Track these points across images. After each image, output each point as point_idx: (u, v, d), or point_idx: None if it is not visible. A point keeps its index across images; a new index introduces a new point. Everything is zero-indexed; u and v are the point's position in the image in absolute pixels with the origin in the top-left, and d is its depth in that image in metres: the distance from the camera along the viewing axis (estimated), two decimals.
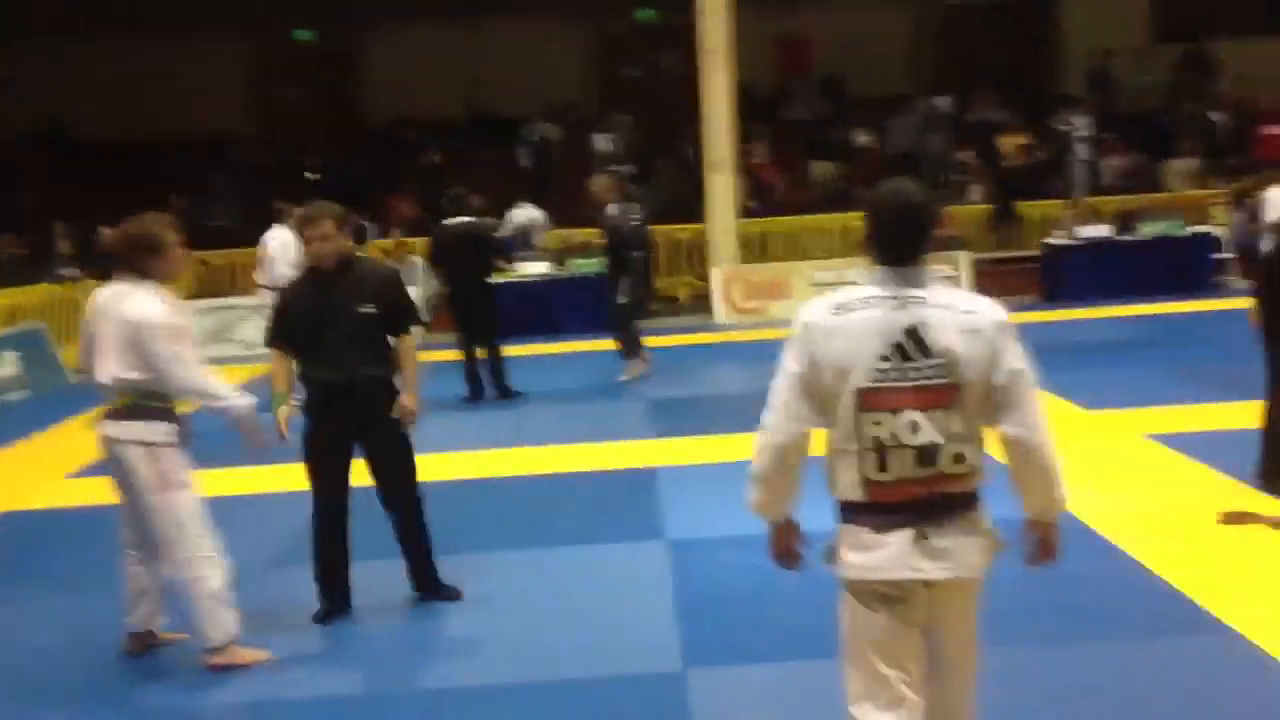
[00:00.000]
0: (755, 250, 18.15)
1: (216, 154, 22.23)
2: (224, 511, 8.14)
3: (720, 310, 16.41)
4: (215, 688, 5.24)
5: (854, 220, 18.52)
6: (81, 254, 16.06)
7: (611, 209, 11.81)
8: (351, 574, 6.02)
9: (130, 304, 5.15)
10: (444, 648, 5.62)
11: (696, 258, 17.97)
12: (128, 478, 5.23)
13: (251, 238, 17.22)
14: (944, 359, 3.15)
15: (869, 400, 3.15)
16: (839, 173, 20.33)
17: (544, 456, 9.07)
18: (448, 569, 6.15)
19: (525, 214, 17.55)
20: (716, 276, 16.59)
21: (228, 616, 5.28)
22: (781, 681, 4.96)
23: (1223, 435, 8.19)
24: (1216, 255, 16.62)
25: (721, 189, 16.74)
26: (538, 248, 17.30)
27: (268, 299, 11.69)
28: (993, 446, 3.30)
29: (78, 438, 8.68)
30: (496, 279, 12.36)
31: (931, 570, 3.20)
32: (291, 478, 8.83)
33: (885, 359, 3.14)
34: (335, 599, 5.94)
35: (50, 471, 9.29)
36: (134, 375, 5.14)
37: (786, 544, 3.47)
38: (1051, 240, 16.96)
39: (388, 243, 18.17)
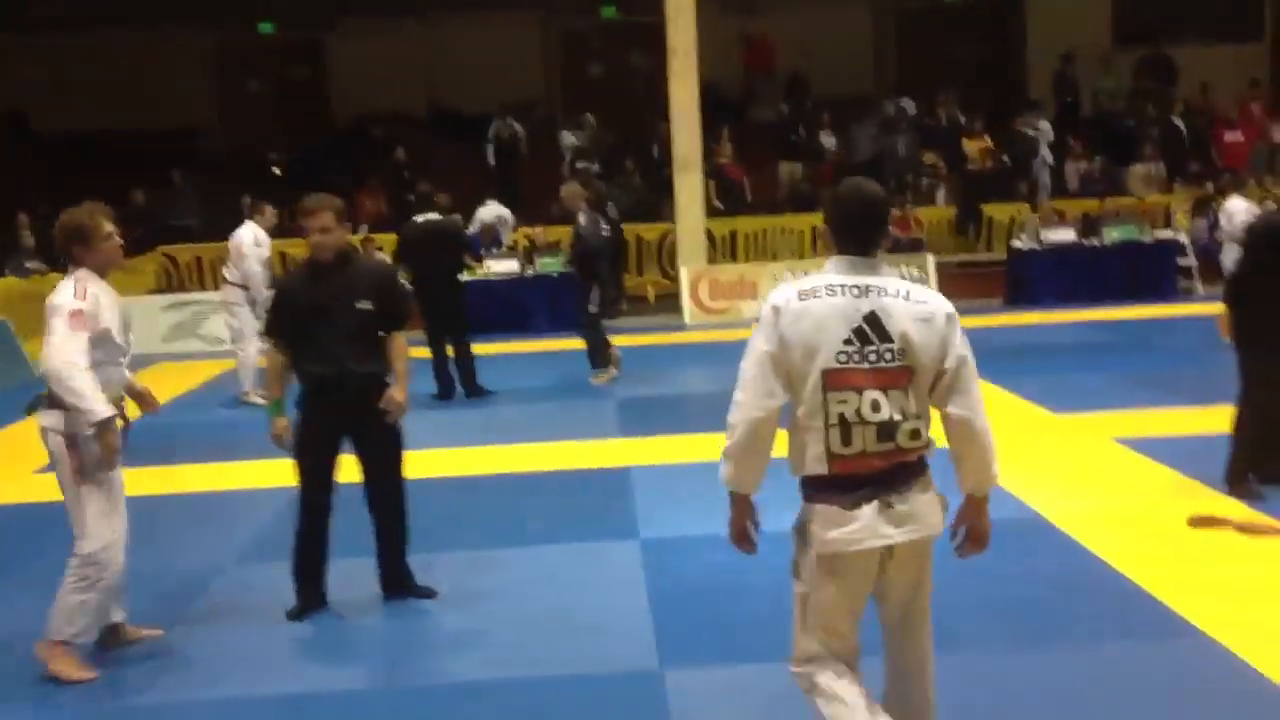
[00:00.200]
0: (723, 250, 18.19)
1: (181, 147, 22.05)
2: (195, 507, 8.18)
3: (688, 310, 16.43)
4: (186, 685, 5.20)
5: (820, 221, 18.58)
6: (46, 247, 15.87)
7: (581, 218, 11.78)
8: (327, 570, 5.99)
9: (52, 293, 5.13)
10: (419, 645, 5.61)
11: (665, 257, 17.98)
12: (54, 466, 5.19)
13: (215, 233, 17.17)
14: (900, 344, 3.45)
15: (833, 380, 3.42)
16: (805, 174, 20.39)
17: (514, 455, 9.05)
18: (420, 567, 6.14)
19: (492, 211, 17.49)
20: (684, 276, 16.61)
21: (82, 623, 5.19)
22: (757, 679, 4.96)
23: (1190, 440, 8.30)
24: (1180, 261, 16.80)
25: (689, 189, 16.76)
26: (505, 245, 17.25)
27: (235, 295, 11.64)
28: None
29: None
30: (465, 277, 12.33)
31: (898, 535, 3.51)
32: (260, 474, 8.84)
33: (848, 342, 3.43)
34: (312, 595, 5.91)
35: (16, 467, 9.18)
36: None
37: (745, 524, 3.67)
38: (1016, 244, 17.08)
39: (355, 238, 18.05)
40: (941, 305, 3.57)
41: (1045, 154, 19.72)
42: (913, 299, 3.52)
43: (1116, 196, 18.58)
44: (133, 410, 5.43)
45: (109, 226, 5.22)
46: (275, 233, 12.12)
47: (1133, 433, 8.69)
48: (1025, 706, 4.68)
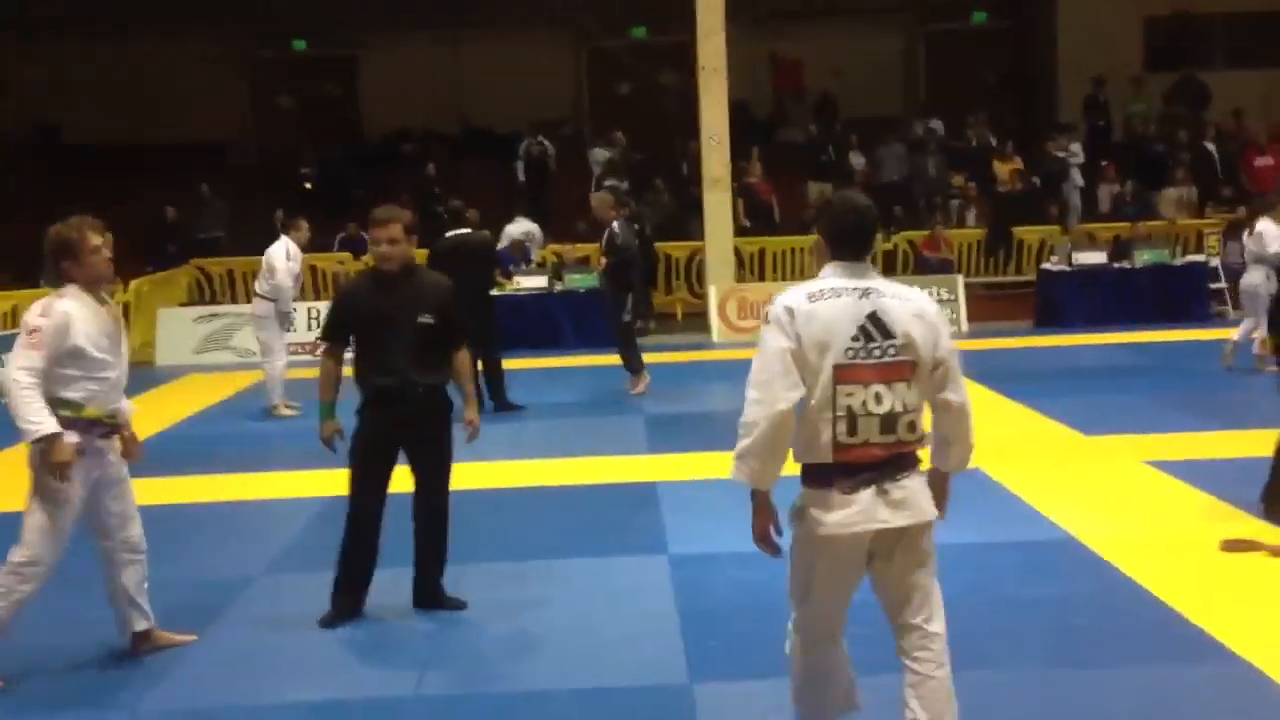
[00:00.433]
0: (751, 269, 18.20)
1: (212, 160, 22.24)
2: (226, 516, 8.23)
3: (716, 328, 16.44)
4: (218, 690, 5.22)
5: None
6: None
7: (615, 225, 11.82)
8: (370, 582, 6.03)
9: None
10: (449, 656, 5.61)
11: (694, 276, 18.00)
12: None
13: (244, 246, 17.31)
14: (903, 340, 3.74)
15: (843, 375, 3.69)
16: (834, 193, 20.37)
17: (543, 470, 9.08)
18: (449, 579, 6.15)
19: (520, 228, 17.56)
20: (713, 294, 16.62)
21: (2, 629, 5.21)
22: (787, 694, 4.95)
23: (1222, 463, 8.26)
24: (1212, 285, 16.71)
25: (718, 207, 16.78)
26: (534, 261, 17.31)
27: (264, 308, 11.71)
28: None
29: None
30: (495, 292, 12.37)
31: (893, 519, 3.76)
32: (291, 485, 8.89)
33: (855, 339, 3.70)
34: (350, 604, 5.92)
35: None
36: None
37: (768, 523, 3.88)
38: (1047, 266, 17.02)
39: None
40: (930, 302, 3.90)
41: (1076, 177, 19.66)
42: (907, 298, 3.82)
43: (1147, 220, 18.49)
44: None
45: (96, 240, 5.20)
46: (305, 248, 12.18)
47: (1164, 455, 8.65)
48: None
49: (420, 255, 15.84)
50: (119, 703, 5.16)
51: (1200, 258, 17.06)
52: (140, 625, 5.52)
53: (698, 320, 17.11)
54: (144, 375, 15.10)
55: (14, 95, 21.98)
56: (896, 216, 19.24)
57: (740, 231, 17.89)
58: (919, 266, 17.82)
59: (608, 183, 18.52)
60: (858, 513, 3.73)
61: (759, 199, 19.40)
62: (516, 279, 16.04)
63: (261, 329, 11.83)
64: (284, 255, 11.63)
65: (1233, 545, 6.56)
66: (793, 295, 3.77)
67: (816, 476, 3.78)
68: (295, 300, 12.08)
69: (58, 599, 5.64)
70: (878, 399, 3.71)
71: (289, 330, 12.05)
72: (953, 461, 3.99)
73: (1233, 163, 20.12)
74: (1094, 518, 7.28)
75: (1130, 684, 4.98)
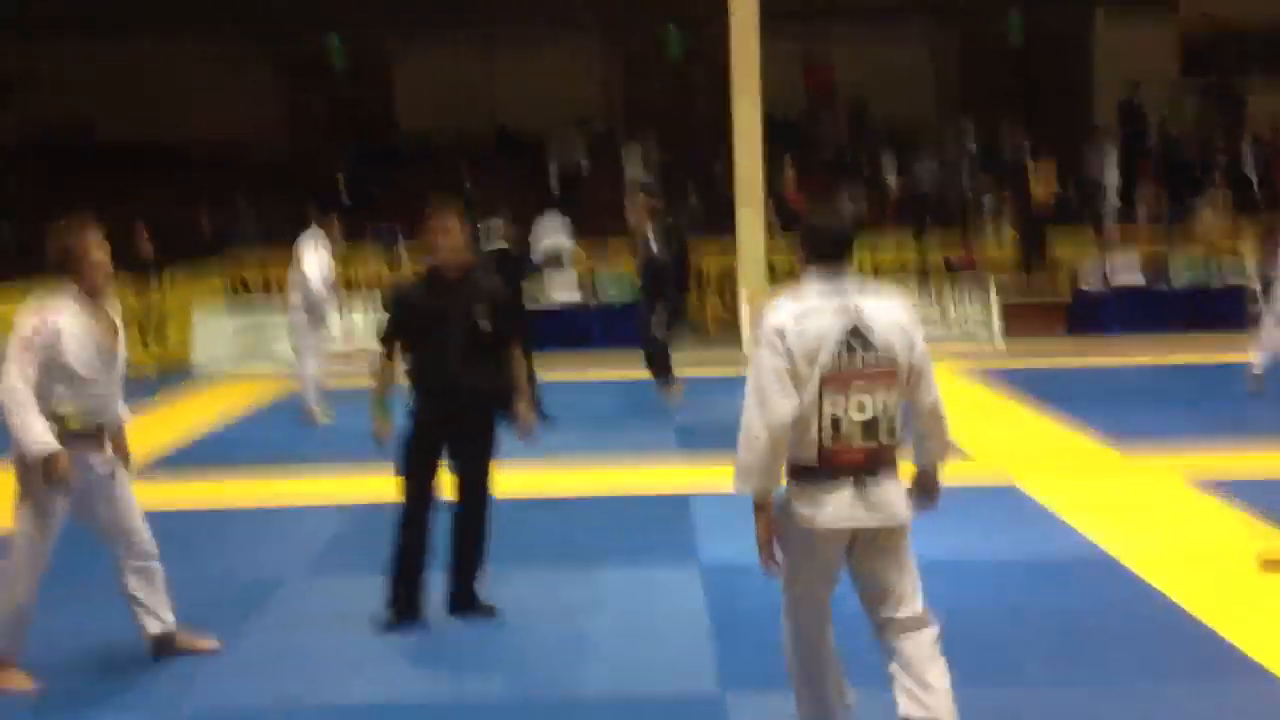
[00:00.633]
0: (784, 277, 18.12)
1: (245, 162, 22.35)
2: (260, 520, 8.27)
3: (748, 338, 16.39)
4: (251, 691, 5.24)
5: (882, 250, 18.54)
6: (115, 257, 16.13)
7: (649, 232, 11.81)
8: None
9: None
10: (479, 662, 5.61)
11: (726, 287, 17.95)
12: None
13: (276, 250, 17.39)
14: (884, 349, 4.00)
15: (829, 384, 3.95)
16: (866, 201, 20.33)
17: (574, 479, 9.09)
18: (481, 585, 6.16)
19: (552, 240, 17.58)
20: (745, 304, 16.57)
21: (10, 635, 5.22)
22: None
23: (1261, 482, 8.19)
24: (1254, 307, 16.50)
25: (750, 215, 16.74)
26: (567, 269, 17.31)
27: (296, 313, 11.73)
28: None
29: None
30: (530, 305, 12.38)
31: (867, 519, 4.01)
32: (325, 489, 8.93)
33: (840, 352, 3.95)
34: (411, 607, 5.93)
35: None
36: None
37: (770, 532, 4.08)
38: (1082, 283, 16.88)
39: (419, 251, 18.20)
40: (905, 309, 4.14)
41: (1111, 185, 19.53)
42: (886, 307, 4.07)
43: (1183, 226, 18.31)
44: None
45: (97, 252, 5.21)
46: (338, 241, 12.20)
47: (1202, 473, 8.57)
48: None
49: None
50: (150, 705, 5.18)
51: (1238, 273, 16.88)
52: (154, 629, 5.52)
53: (729, 330, 17.08)
54: (180, 376, 15.22)
55: (48, 93, 22.13)
56: (929, 226, 19.16)
57: (772, 238, 17.83)
58: (952, 279, 17.72)
59: (641, 179, 18.49)
60: (837, 510, 3.99)
61: (790, 207, 19.34)
62: (550, 290, 15.99)
63: (294, 332, 11.83)
64: (313, 246, 11.66)
65: (1273, 564, 6.50)
66: (782, 312, 4.03)
67: (800, 474, 4.04)
68: (329, 301, 11.98)
69: (87, 603, 5.68)
70: (861, 406, 3.97)
71: (321, 329, 11.98)
72: (931, 457, 4.27)
73: (1270, 171, 19.96)
74: (1131, 534, 7.23)
75: (1165, 701, 4.96)
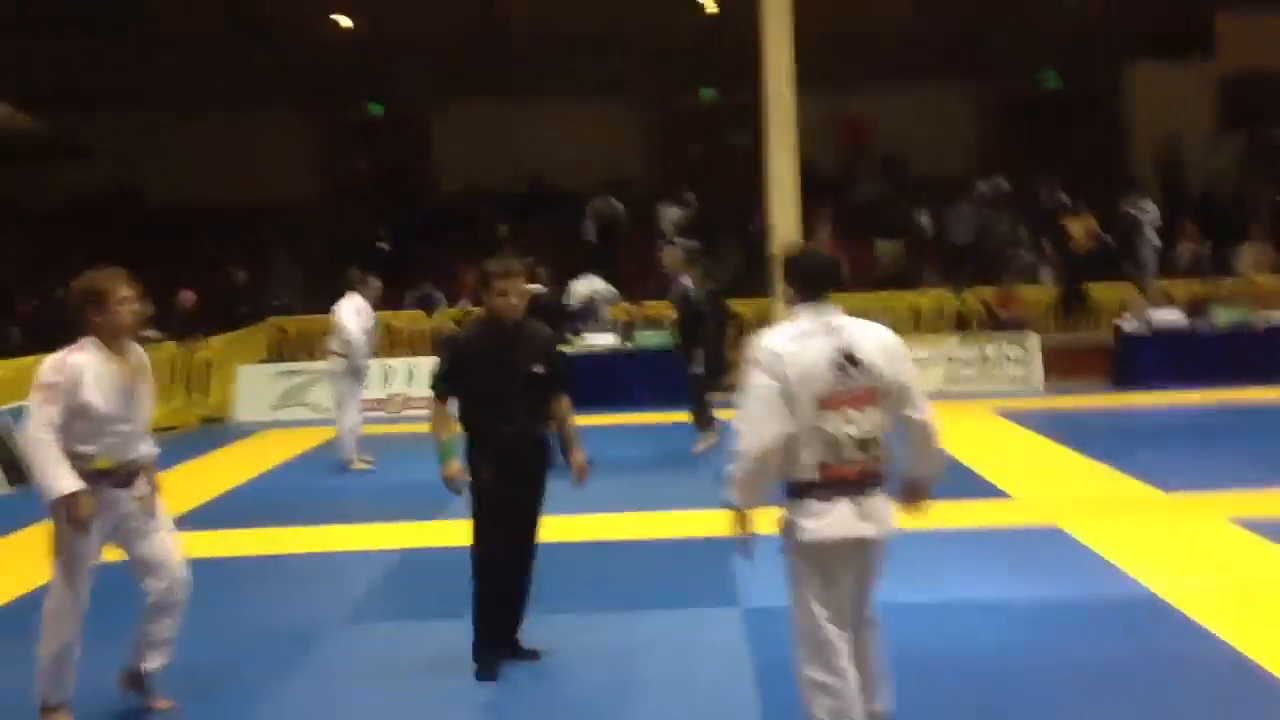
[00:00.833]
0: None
1: (288, 223, 22.64)
2: (301, 568, 8.30)
3: None
4: None
5: (921, 299, 18.52)
6: (160, 316, 16.35)
7: (684, 280, 11.87)
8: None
9: None
10: (522, 708, 5.59)
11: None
12: None
13: (317, 307, 17.56)
14: (870, 369, 4.27)
15: (824, 402, 4.21)
16: (903, 252, 20.34)
17: (614, 523, 9.07)
18: (523, 630, 6.14)
19: (589, 286, 17.68)
20: None
21: (55, 681, 5.22)
22: None
23: None
24: None
25: None
26: (603, 319, 17.39)
27: (337, 364, 11.86)
28: None
29: None
30: (565, 350, 12.42)
31: (866, 529, 4.27)
32: (366, 538, 8.96)
33: (831, 372, 4.22)
34: (501, 651, 5.92)
35: None
36: None
37: (748, 534, 4.34)
38: (1124, 326, 16.80)
39: (456, 312, 18.36)
40: (890, 334, 4.42)
41: (1151, 235, 19.46)
42: (870, 333, 4.36)
43: (1224, 278, 18.24)
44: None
45: (126, 291, 5.27)
46: (376, 305, 12.32)
47: (1248, 513, 8.46)
48: None
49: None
50: None
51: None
52: (151, 664, 5.45)
53: None
54: (223, 431, 15.36)
55: (98, 159, 22.55)
56: (967, 276, 19.14)
57: None
58: (992, 325, 17.67)
59: (679, 241, 18.58)
60: (838, 521, 4.24)
61: None
62: (587, 337, 16.11)
63: (335, 384, 11.98)
64: (352, 312, 11.78)
65: None
66: (775, 339, 4.32)
67: (800, 490, 4.27)
68: (369, 357, 12.18)
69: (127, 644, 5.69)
70: (855, 424, 4.24)
71: (362, 385, 12.14)
72: (924, 469, 4.53)
73: None
74: (1178, 574, 7.14)
75: None
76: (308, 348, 18.33)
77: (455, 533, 8.86)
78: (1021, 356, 16.41)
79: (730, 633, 6.42)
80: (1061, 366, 16.83)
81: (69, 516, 5.08)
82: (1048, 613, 6.58)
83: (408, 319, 18.59)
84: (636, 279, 18.60)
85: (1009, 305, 17.85)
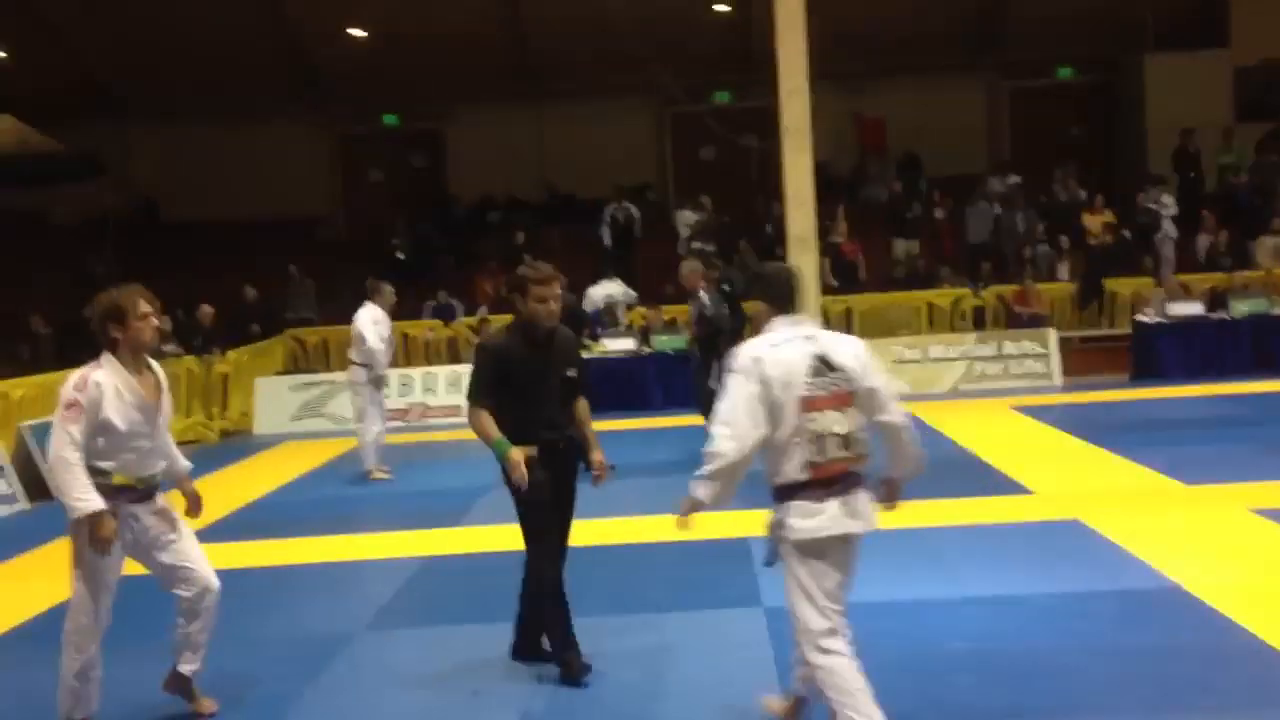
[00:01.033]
0: (837, 328, 18.07)
1: (305, 235, 22.76)
2: (322, 576, 8.33)
3: None
4: None
5: (938, 298, 18.49)
6: (180, 331, 16.45)
7: (704, 296, 11.88)
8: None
9: None
10: (549, 709, 5.61)
11: None
12: None
13: (335, 318, 17.64)
14: (844, 372, 4.51)
15: (807, 405, 4.43)
16: (919, 251, 20.32)
17: (633, 526, 9.07)
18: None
19: (603, 290, 17.69)
20: None
21: (77, 696, 5.27)
22: None
23: None
24: None
25: (805, 267, 16.72)
26: (621, 323, 17.41)
27: (358, 375, 11.90)
28: None
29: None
30: (583, 354, 12.44)
31: (854, 526, 4.52)
32: (385, 546, 8.99)
33: (811, 376, 4.45)
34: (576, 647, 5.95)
35: None
36: None
37: (691, 525, 4.79)
38: (1141, 318, 16.75)
39: (473, 320, 18.41)
40: (858, 343, 4.70)
41: (1169, 228, 19.39)
42: (842, 340, 4.65)
43: (1244, 270, 18.16)
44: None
45: (146, 307, 5.31)
46: (394, 314, 12.35)
47: (1270, 504, 8.43)
48: None
49: (505, 318, 16.08)
50: None
51: None
52: (188, 667, 5.55)
53: None
54: (243, 444, 15.42)
55: (117, 175, 22.70)
56: (984, 273, 19.11)
57: (826, 291, 17.85)
58: (1010, 321, 17.64)
59: (695, 245, 18.61)
60: (829, 518, 4.46)
61: (845, 258, 19.38)
62: (604, 341, 16.14)
63: (357, 394, 12.01)
64: (370, 322, 11.81)
65: None
66: (756, 346, 4.54)
67: (792, 492, 4.49)
68: (388, 366, 12.21)
69: (154, 656, 5.73)
70: (836, 423, 4.45)
71: (383, 394, 12.17)
72: (903, 469, 4.75)
73: None
74: (1201, 567, 7.11)
75: None
76: (325, 359, 18.42)
77: (477, 539, 8.95)
78: (1040, 353, 16.36)
79: (754, 632, 6.42)
80: (1080, 362, 16.79)
81: (92, 536, 5.12)
82: (1072, 605, 6.56)
83: (423, 328, 18.64)
84: (654, 283, 18.64)
85: (1027, 302, 17.81)
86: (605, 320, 17.04)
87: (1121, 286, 18.42)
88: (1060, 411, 13.77)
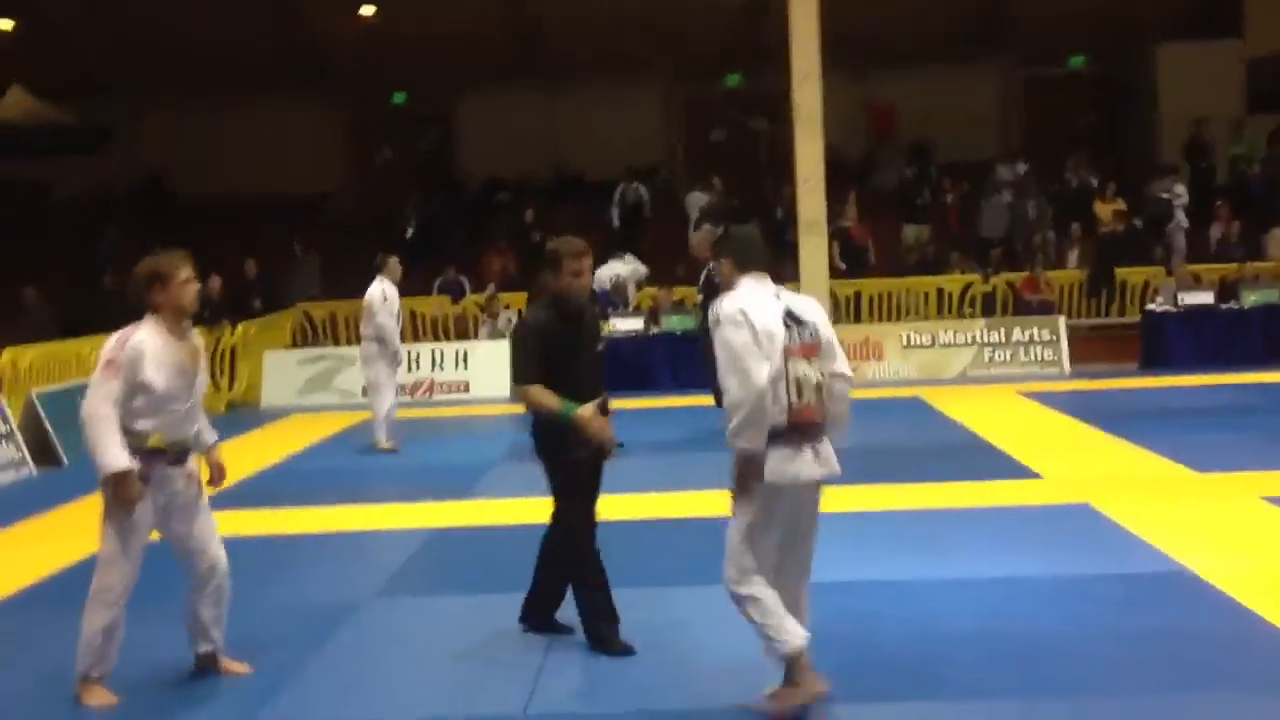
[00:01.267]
0: (847, 311, 18.10)
1: (314, 212, 22.74)
2: (331, 545, 8.35)
3: None
4: (332, 708, 5.27)
5: (947, 283, 18.46)
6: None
7: (712, 266, 11.84)
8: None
9: None
10: (558, 679, 5.58)
11: None
12: None
13: (344, 296, 17.65)
14: (810, 326, 4.87)
15: (788, 352, 4.76)
16: (929, 237, 20.28)
17: (643, 503, 9.07)
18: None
19: (610, 270, 17.68)
20: None
21: (99, 654, 5.30)
22: (892, 718, 4.95)
23: None
24: None
25: (814, 251, 16.70)
26: (631, 304, 17.39)
27: (370, 349, 11.88)
28: None
29: None
30: None
31: (821, 473, 4.86)
32: (392, 517, 9.00)
33: (786, 327, 4.78)
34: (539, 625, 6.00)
35: None
36: None
37: (752, 481, 4.76)
38: (1152, 307, 16.72)
39: (481, 297, 18.41)
40: (814, 300, 5.09)
41: (1180, 218, 19.34)
42: (802, 299, 4.99)
43: (1255, 261, 18.12)
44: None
45: (187, 271, 5.34)
46: (403, 290, 12.32)
47: (1278, 491, 8.41)
48: None
49: (518, 299, 16.08)
50: (240, 716, 5.24)
51: None
52: (203, 648, 5.63)
53: None
54: (250, 416, 15.43)
55: (125, 149, 22.69)
56: (994, 259, 19.08)
57: (836, 275, 17.83)
58: (1019, 308, 17.61)
59: (705, 227, 18.56)
60: (802, 464, 4.78)
61: (854, 242, 19.34)
62: (613, 321, 16.13)
63: (369, 367, 11.99)
64: (380, 296, 11.80)
65: None
66: (736, 301, 4.80)
67: (771, 437, 4.71)
68: (396, 335, 12.14)
69: (170, 618, 5.75)
70: (810, 369, 4.81)
71: (394, 364, 12.10)
72: (839, 422, 4.98)
73: None
74: (1212, 552, 7.10)
75: (1245, 712, 4.89)
76: (333, 333, 18.43)
77: (485, 511, 8.96)
78: (1049, 340, 16.33)
79: None
80: (1089, 349, 16.76)
81: (115, 494, 5.15)
82: (1081, 588, 6.56)
83: (432, 305, 18.63)
84: (664, 263, 18.61)
85: (1036, 289, 17.78)
86: (615, 300, 17.00)
87: (1132, 275, 18.38)
88: (1069, 398, 13.74)
